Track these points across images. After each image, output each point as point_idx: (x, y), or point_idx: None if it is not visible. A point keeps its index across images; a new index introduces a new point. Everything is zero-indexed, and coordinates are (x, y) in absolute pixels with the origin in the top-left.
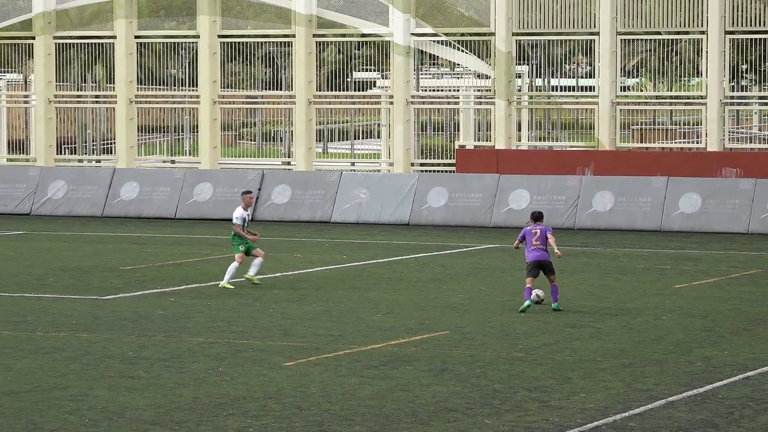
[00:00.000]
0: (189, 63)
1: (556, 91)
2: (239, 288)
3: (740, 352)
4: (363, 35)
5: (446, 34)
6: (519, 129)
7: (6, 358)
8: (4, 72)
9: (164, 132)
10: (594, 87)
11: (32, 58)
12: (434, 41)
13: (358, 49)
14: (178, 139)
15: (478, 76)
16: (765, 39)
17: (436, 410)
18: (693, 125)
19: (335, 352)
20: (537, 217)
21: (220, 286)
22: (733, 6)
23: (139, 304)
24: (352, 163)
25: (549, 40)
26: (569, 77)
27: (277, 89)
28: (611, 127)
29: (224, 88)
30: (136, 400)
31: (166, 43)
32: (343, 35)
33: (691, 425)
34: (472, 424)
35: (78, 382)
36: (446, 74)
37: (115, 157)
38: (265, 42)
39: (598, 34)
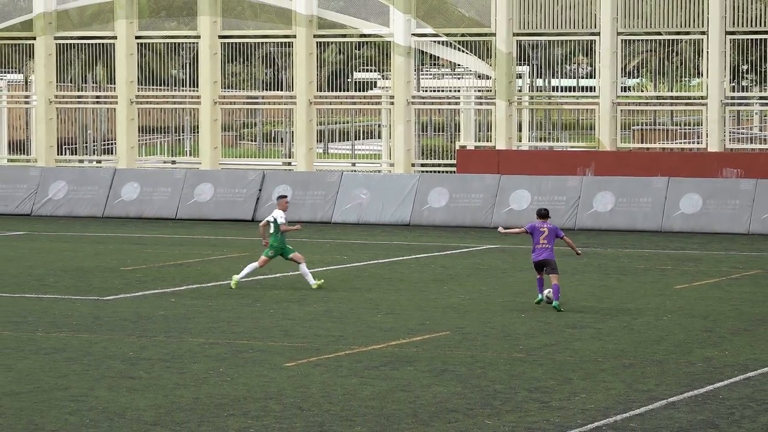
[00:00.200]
0: (190, 63)
1: (557, 91)
2: (240, 289)
3: (741, 352)
4: (363, 36)
5: (447, 35)
6: (520, 129)
7: (7, 358)
8: (5, 72)
9: (165, 132)
10: (594, 87)
11: (33, 58)
12: (435, 42)
13: (359, 50)
14: (179, 139)
15: (479, 76)
16: (765, 39)
17: (437, 411)
18: (694, 126)
19: (336, 352)
20: (543, 214)
21: (232, 283)
22: (734, 6)
23: (139, 304)
24: (353, 164)
25: (550, 41)
26: (570, 78)
27: (277, 90)
28: (612, 127)
29: (225, 88)
30: (137, 401)
31: (167, 43)
32: (344, 36)
33: (692, 426)
34: (473, 425)
35: (79, 382)
36: (447, 75)
37: (116, 157)
38: (266, 42)
39: (598, 34)
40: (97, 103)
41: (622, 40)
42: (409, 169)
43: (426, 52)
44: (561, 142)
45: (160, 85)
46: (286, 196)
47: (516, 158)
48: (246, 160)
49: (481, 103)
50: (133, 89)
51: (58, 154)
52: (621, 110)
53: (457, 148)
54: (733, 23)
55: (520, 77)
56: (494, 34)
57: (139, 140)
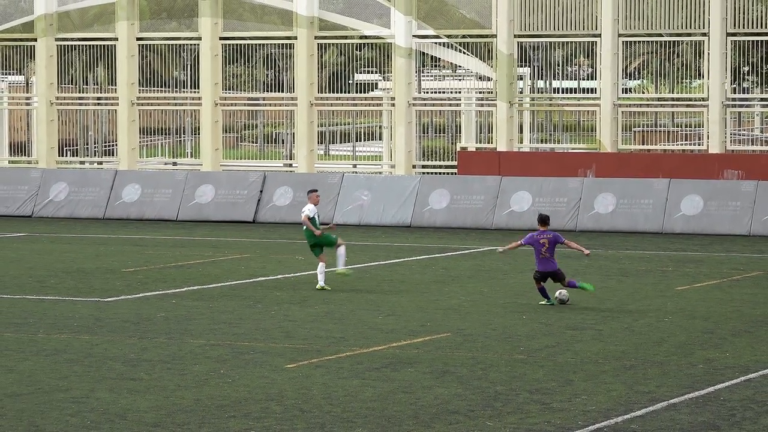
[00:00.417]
0: (191, 65)
1: (558, 93)
2: (241, 290)
3: (742, 354)
4: (364, 37)
5: (448, 36)
6: (521, 131)
7: (8, 359)
8: (6, 74)
9: (166, 134)
10: (595, 89)
11: (34, 59)
12: (436, 43)
13: (360, 51)
14: (180, 141)
15: (480, 78)
16: (767, 41)
17: (438, 412)
18: (695, 127)
19: (337, 354)
20: (544, 220)
21: (340, 272)
22: (735, 8)
23: (140, 306)
24: (354, 165)
25: (551, 42)
26: (571, 79)
27: (278, 91)
28: (613, 129)
29: (226, 90)
30: (138, 402)
31: (168, 44)
32: (345, 37)
33: (693, 427)
34: (474, 426)
35: (80, 384)
36: (448, 76)
37: (117, 159)
38: (267, 44)
39: (599, 36)
40: (98, 104)
41: (623, 41)
42: (410, 170)
43: (427, 54)
44: (562, 144)
45: (161, 87)
46: (316, 190)
47: (517, 160)
48: (247, 161)
49: (482, 105)
50: (134, 91)
51: (59, 156)
52: (622, 112)
53: (458, 149)
54: (734, 25)
55: (521, 79)
56: (495, 36)
57: (140, 142)
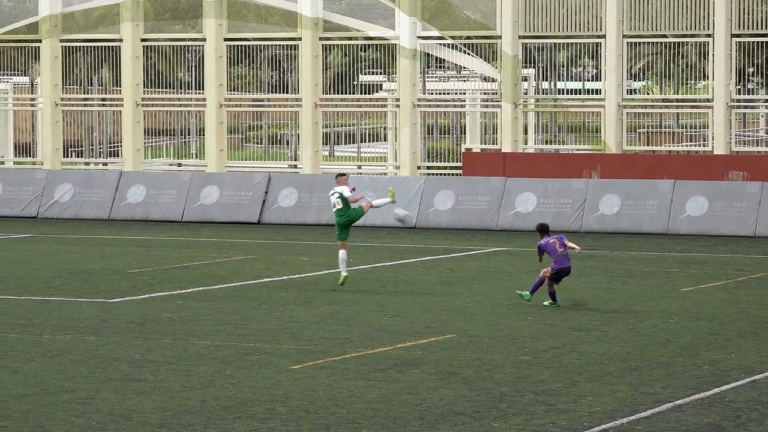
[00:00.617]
0: (195, 66)
1: (563, 94)
2: (246, 291)
3: (747, 355)
4: (369, 38)
5: (452, 37)
6: (525, 132)
7: (13, 361)
8: (11, 75)
9: (171, 135)
10: (600, 90)
11: (39, 61)
12: (440, 44)
13: (364, 52)
14: (185, 142)
15: (485, 79)
16: None
17: (443, 413)
18: (699, 128)
19: (342, 355)
20: (545, 228)
21: (341, 281)
22: (740, 9)
23: (146, 307)
24: (359, 166)
25: (555, 43)
26: (575, 80)
27: (283, 92)
28: (618, 130)
29: (230, 91)
30: (143, 403)
31: (173, 46)
32: (350, 38)
33: (699, 428)
34: (479, 428)
35: (85, 385)
36: (452, 77)
37: (122, 160)
38: (271, 45)
39: (604, 37)
40: (103, 105)
41: (627, 42)
42: (414, 171)
43: (432, 55)
44: (567, 145)
45: (166, 88)
46: (345, 174)
47: (522, 161)
48: (252, 162)
49: (486, 106)
50: (138, 92)
51: (64, 157)
52: (627, 113)
53: (463, 150)
54: (739, 26)
55: (526, 80)
56: (500, 37)
57: (144, 143)
